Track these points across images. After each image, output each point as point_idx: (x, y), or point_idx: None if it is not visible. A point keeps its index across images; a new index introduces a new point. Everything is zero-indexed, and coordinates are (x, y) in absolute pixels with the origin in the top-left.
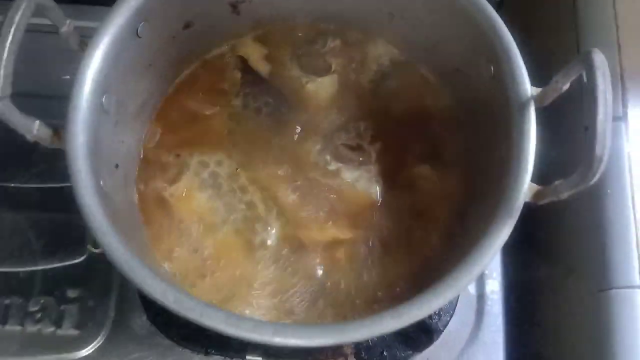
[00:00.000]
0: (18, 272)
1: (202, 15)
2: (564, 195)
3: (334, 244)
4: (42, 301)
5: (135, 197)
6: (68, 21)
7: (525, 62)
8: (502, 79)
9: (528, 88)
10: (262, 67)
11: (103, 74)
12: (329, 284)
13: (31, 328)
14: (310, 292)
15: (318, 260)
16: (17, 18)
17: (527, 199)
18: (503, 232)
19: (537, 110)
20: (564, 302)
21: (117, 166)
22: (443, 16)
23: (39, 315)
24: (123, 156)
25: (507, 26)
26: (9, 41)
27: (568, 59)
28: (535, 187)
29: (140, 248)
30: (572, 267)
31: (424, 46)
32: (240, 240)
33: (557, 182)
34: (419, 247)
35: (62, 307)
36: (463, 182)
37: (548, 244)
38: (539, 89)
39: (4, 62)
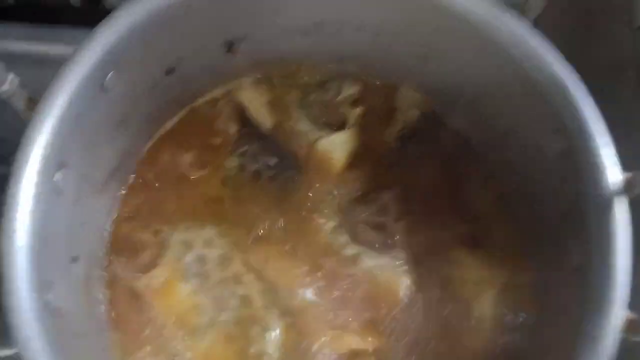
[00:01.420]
0: None
1: (189, 58)
2: None
3: (354, 355)
4: None
5: (100, 294)
6: (10, 76)
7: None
8: (576, 160)
9: (614, 175)
10: (263, 118)
11: (57, 144)
12: None
13: None
14: None
15: None
16: None
17: (619, 334)
18: None
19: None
20: None
21: (75, 259)
22: (492, 64)
23: None
24: (85, 243)
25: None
26: None
27: None
28: (631, 315)
29: None
30: None
31: (464, 98)
32: (231, 349)
33: None
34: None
35: None
36: (519, 284)
37: None
38: (629, 174)
39: None
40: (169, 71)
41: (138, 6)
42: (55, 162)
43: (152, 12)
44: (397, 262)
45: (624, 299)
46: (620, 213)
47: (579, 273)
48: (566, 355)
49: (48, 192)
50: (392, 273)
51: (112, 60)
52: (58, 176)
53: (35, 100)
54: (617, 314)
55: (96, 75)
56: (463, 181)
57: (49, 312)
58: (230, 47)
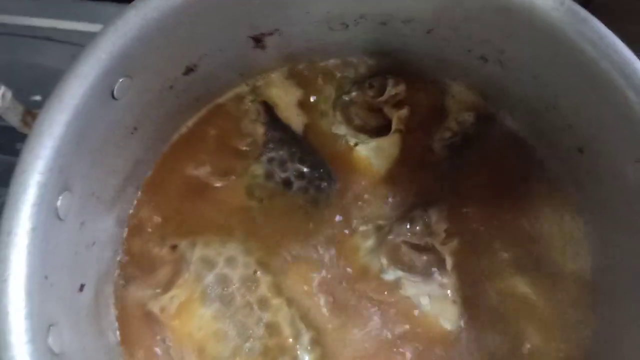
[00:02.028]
0: None
1: (211, 55)
2: None
3: None
4: None
5: (111, 322)
6: (2, 89)
7: None
8: None
9: None
10: (295, 119)
11: (57, 168)
12: None
13: None
14: None
15: None
16: None
17: None
18: None
19: None
20: None
21: (81, 288)
22: (566, 72)
23: None
24: (92, 266)
25: None
26: None
27: None
28: None
29: None
30: None
31: (529, 106)
32: None
33: None
34: None
35: None
36: (585, 323)
37: None
38: None
39: None
40: (188, 70)
41: (152, 3)
42: (56, 187)
43: (168, 10)
44: (445, 291)
45: None
46: None
47: None
48: None
49: (48, 222)
50: (438, 303)
51: (122, 64)
52: (60, 202)
53: (33, 114)
54: None
55: (104, 82)
56: (524, 198)
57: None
58: (258, 41)
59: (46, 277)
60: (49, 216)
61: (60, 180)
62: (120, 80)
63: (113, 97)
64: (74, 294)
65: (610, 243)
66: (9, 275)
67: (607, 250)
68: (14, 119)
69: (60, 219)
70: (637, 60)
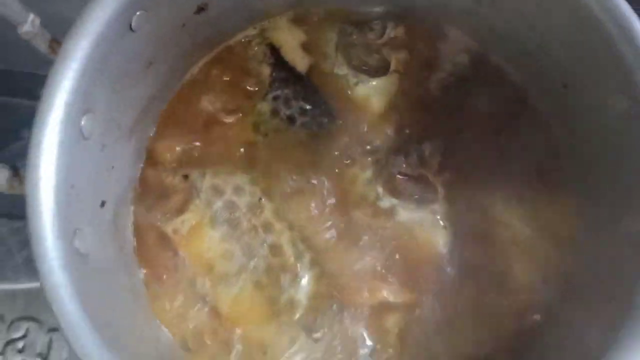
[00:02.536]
0: None
1: None
2: None
3: (383, 309)
4: (25, 327)
5: (129, 239)
6: (31, 17)
7: None
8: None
9: None
10: (299, 60)
11: (83, 88)
12: None
13: (13, 358)
14: None
15: (362, 331)
16: None
17: None
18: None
19: None
20: None
21: (103, 204)
22: (552, 12)
23: (21, 344)
24: (113, 187)
25: None
26: None
27: None
28: None
29: (130, 315)
30: None
31: (519, 47)
32: (261, 296)
33: None
34: (495, 326)
35: (49, 335)
36: (566, 244)
37: None
38: None
39: None
40: (200, 9)
41: None
42: (80, 107)
43: None
44: (436, 217)
45: None
46: None
47: (630, 238)
48: (615, 321)
49: (73, 138)
50: (429, 228)
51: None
52: (84, 122)
53: (58, 42)
54: None
55: (123, 14)
56: (513, 134)
57: (77, 259)
58: None
59: (72, 187)
60: (74, 133)
61: (84, 102)
62: (138, 14)
63: (131, 29)
64: (96, 208)
65: (590, 179)
66: (39, 179)
67: (588, 181)
68: (42, 45)
69: (84, 137)
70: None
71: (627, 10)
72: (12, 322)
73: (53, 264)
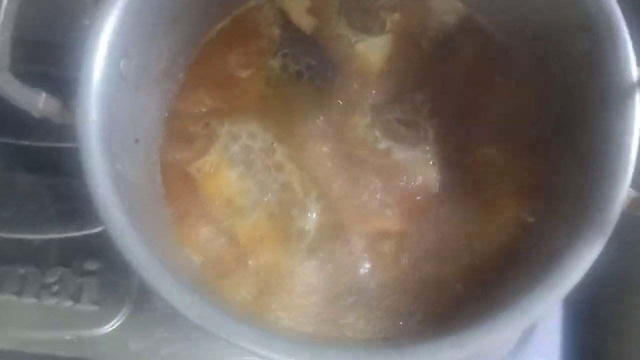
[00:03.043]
0: (33, 240)
1: None
2: None
3: (381, 235)
4: (59, 272)
5: (158, 174)
6: None
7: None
8: (600, 56)
9: (634, 70)
10: (305, 22)
11: (121, 35)
12: (373, 284)
13: (48, 301)
14: (352, 294)
15: (362, 255)
16: None
17: (623, 208)
18: (591, 252)
19: None
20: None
21: (137, 141)
22: None
23: (55, 288)
24: (144, 128)
25: None
26: (4, 3)
27: None
28: (634, 193)
29: (162, 236)
30: None
31: (498, 5)
32: (274, 226)
33: None
34: (480, 249)
35: (81, 280)
36: (538, 174)
37: None
38: None
39: None
40: None
41: None
42: (119, 50)
43: None
44: (427, 156)
45: (630, 177)
46: (638, 103)
47: (596, 156)
48: (577, 223)
49: (114, 76)
50: (421, 165)
51: None
52: (122, 64)
53: None
54: (624, 189)
55: None
56: (493, 83)
57: (119, 178)
58: None
59: (113, 120)
60: (114, 72)
61: (123, 45)
62: None
63: None
64: (131, 142)
65: (560, 107)
66: (90, 105)
67: (561, 115)
68: None
69: (122, 78)
70: None
71: None
72: (46, 269)
73: (101, 178)
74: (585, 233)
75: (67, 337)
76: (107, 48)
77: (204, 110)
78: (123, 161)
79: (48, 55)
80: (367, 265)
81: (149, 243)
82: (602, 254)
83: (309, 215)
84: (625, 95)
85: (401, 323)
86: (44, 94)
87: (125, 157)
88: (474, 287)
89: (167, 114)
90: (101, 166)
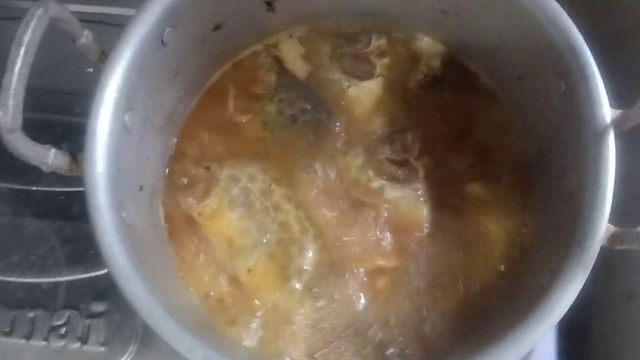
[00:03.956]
0: (41, 283)
1: (234, 14)
2: None
3: (376, 272)
4: (67, 315)
5: (162, 219)
6: (86, 32)
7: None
8: (575, 98)
9: (607, 112)
10: (300, 69)
11: (125, 90)
12: (370, 318)
13: (56, 343)
14: (351, 328)
15: (358, 292)
16: (27, 38)
17: (603, 243)
18: (574, 286)
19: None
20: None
21: (141, 188)
22: (504, 18)
23: (63, 330)
24: (148, 175)
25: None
26: (17, 66)
27: None
28: (613, 228)
29: (167, 279)
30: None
31: (481, 49)
32: (274, 265)
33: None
34: (469, 285)
35: (88, 321)
36: (523, 210)
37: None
38: (619, 112)
39: (12, 91)
40: (217, 27)
41: None
42: (124, 105)
43: None
44: (417, 193)
45: (608, 214)
46: (612, 143)
47: (575, 194)
48: (560, 259)
49: (119, 129)
50: (413, 203)
51: (169, 17)
52: (126, 117)
53: (106, 53)
54: (602, 226)
55: (156, 30)
56: (479, 122)
57: (124, 227)
58: (270, 5)
59: (119, 169)
60: (119, 125)
61: (127, 100)
62: (168, 30)
63: (162, 42)
64: (136, 190)
65: (543, 150)
66: (95, 160)
67: (542, 155)
68: (93, 55)
69: (127, 130)
70: (560, 7)
71: (557, 6)
72: (55, 311)
73: (107, 227)
74: (567, 268)
75: None
76: (112, 104)
77: (204, 154)
78: (128, 209)
79: (53, 102)
80: (363, 302)
81: (153, 288)
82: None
83: (306, 253)
84: (599, 137)
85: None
86: (53, 150)
87: (130, 205)
88: (464, 322)
89: (169, 159)
90: (107, 216)
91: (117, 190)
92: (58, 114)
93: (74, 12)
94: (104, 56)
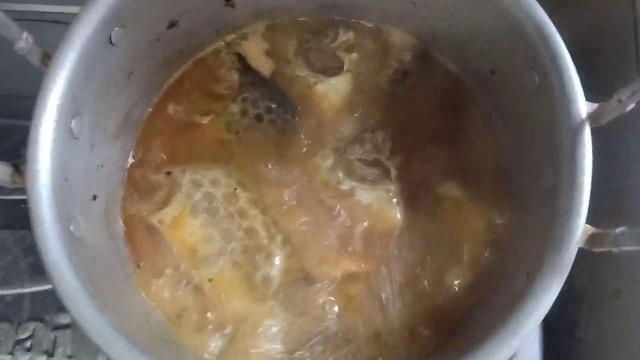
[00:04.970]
0: (4, 296)
1: (189, 11)
2: (626, 248)
3: (348, 278)
4: (32, 327)
5: (119, 229)
6: (25, 34)
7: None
8: (550, 92)
9: (582, 106)
10: (263, 66)
11: (71, 94)
12: (342, 326)
13: (22, 357)
14: (321, 338)
15: (329, 299)
16: None
17: (580, 245)
18: (550, 292)
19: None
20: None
21: (94, 198)
22: (475, 9)
23: (29, 343)
24: (103, 183)
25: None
26: None
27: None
28: (591, 229)
29: (123, 295)
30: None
31: (452, 41)
32: (239, 274)
33: (619, 231)
34: (445, 290)
35: (54, 333)
36: (499, 211)
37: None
38: (595, 105)
39: None
40: (171, 25)
41: None
42: (70, 110)
43: None
44: (389, 195)
45: (585, 214)
46: (588, 139)
47: (551, 193)
48: (535, 263)
49: (65, 137)
50: (385, 205)
51: (116, 16)
52: (73, 123)
53: (49, 55)
54: (579, 227)
55: (102, 30)
56: (453, 119)
57: (73, 241)
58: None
59: (66, 180)
60: (65, 132)
61: (73, 106)
62: (116, 29)
63: (111, 43)
64: (88, 200)
65: (518, 146)
66: (37, 171)
67: (517, 151)
68: (35, 59)
69: (74, 137)
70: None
71: (533, 5)
72: (19, 324)
73: (52, 243)
74: (543, 273)
75: None
76: (55, 110)
77: (165, 159)
78: (78, 222)
79: (12, 107)
80: (335, 309)
81: (105, 305)
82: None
83: (273, 261)
84: (575, 132)
85: None
86: None
87: (81, 217)
88: (440, 329)
89: (127, 166)
90: (52, 231)
91: (64, 203)
92: (16, 118)
93: (10, 12)
94: (47, 59)
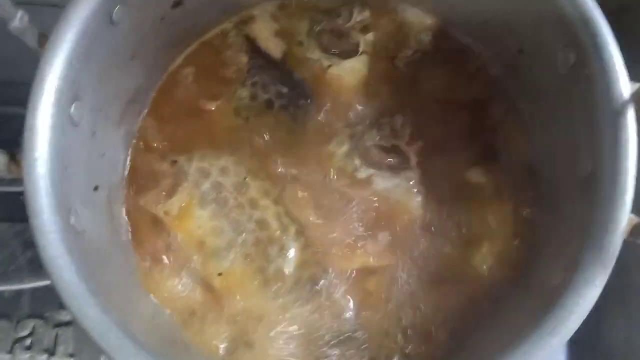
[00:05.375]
0: (3, 291)
1: None
2: None
3: (365, 272)
4: (32, 325)
5: (123, 221)
6: (20, 13)
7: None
8: (588, 72)
9: (625, 86)
10: (274, 48)
11: (70, 78)
12: (359, 323)
13: (22, 356)
14: (337, 336)
15: (346, 294)
16: None
17: (625, 237)
18: (592, 288)
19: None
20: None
21: (96, 188)
22: None
23: (29, 341)
24: (105, 173)
25: None
26: None
27: None
28: (635, 219)
29: (127, 290)
30: None
31: (476, 19)
32: (251, 268)
33: None
34: (470, 284)
35: (55, 331)
36: (529, 200)
37: None
38: (638, 85)
39: None
40: (176, 4)
41: None
42: (69, 94)
43: None
44: (409, 183)
45: (630, 203)
46: (631, 121)
47: (589, 180)
48: (574, 257)
49: (64, 123)
50: (404, 194)
51: None
52: (73, 109)
53: (46, 35)
54: (624, 217)
55: (103, 8)
56: (476, 102)
57: (74, 235)
58: None
59: (66, 169)
60: (64, 119)
61: (72, 89)
62: (117, 7)
63: (112, 22)
64: (89, 191)
65: (548, 131)
66: (35, 159)
67: (546, 136)
68: (31, 40)
69: (74, 124)
70: None
71: None
72: (18, 321)
73: (51, 237)
74: (584, 267)
75: None
76: (54, 94)
77: (170, 147)
78: (79, 213)
79: (11, 94)
80: (351, 306)
81: (107, 303)
82: None
83: (287, 254)
84: (616, 114)
85: None
86: None
87: (82, 208)
88: (464, 328)
89: (130, 154)
90: (51, 224)
91: (63, 193)
92: (16, 106)
93: None
94: (44, 40)
